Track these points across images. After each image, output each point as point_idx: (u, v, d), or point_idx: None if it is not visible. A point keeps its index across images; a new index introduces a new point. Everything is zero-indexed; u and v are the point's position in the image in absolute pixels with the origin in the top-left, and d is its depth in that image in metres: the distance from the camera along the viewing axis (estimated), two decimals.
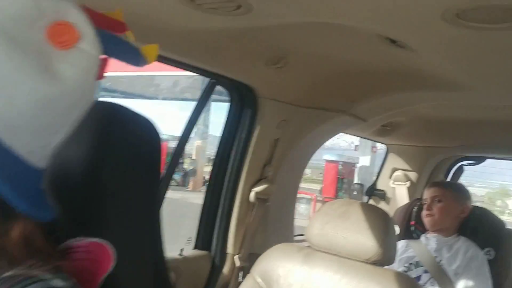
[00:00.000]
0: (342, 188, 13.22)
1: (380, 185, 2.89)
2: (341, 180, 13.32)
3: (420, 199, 2.42)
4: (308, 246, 1.61)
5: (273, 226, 2.09)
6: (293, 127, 1.96)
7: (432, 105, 2.16)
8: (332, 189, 13.14)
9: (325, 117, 1.98)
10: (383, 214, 1.57)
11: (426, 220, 2.26)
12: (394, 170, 2.83)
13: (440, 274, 2.14)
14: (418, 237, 2.34)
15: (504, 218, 5.05)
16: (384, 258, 1.49)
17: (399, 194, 2.77)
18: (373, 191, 2.87)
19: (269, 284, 1.59)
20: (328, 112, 1.97)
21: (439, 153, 2.74)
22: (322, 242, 1.56)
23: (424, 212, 2.26)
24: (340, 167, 13.47)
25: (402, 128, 2.53)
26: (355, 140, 12.80)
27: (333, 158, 13.58)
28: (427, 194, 2.28)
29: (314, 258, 1.56)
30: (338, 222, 1.53)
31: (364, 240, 1.48)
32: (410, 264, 2.23)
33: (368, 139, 2.99)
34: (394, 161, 2.84)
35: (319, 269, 1.54)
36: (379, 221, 1.52)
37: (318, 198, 12.03)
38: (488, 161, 3.01)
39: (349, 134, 2.72)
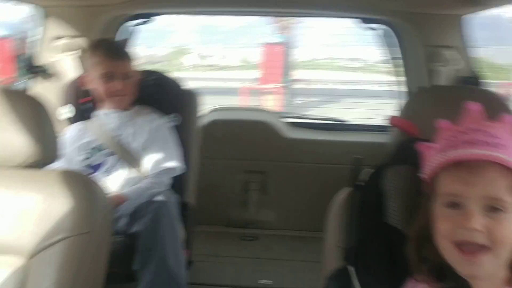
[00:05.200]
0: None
1: (41, 60, 2.35)
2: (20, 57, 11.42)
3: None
4: None
5: None
6: None
7: None
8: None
9: None
10: (32, 102, 1.18)
11: (117, 100, 1.94)
12: (58, 38, 2.31)
13: (125, 153, 1.90)
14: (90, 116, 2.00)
15: (180, 74, 5.35)
16: (43, 158, 1.16)
17: (67, 67, 2.30)
18: (31, 68, 2.31)
19: None
20: None
21: (104, 12, 2.30)
22: None
23: (111, 91, 1.91)
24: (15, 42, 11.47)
25: None
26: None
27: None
28: (106, 68, 1.89)
29: None
30: None
31: (10, 140, 1.13)
32: (93, 149, 1.92)
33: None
34: (56, 27, 2.30)
35: None
36: (29, 112, 1.15)
37: None
38: (165, 20, 2.78)
39: None
